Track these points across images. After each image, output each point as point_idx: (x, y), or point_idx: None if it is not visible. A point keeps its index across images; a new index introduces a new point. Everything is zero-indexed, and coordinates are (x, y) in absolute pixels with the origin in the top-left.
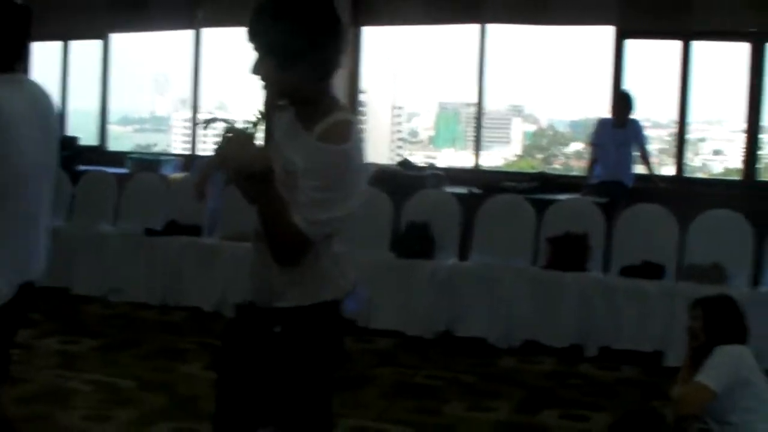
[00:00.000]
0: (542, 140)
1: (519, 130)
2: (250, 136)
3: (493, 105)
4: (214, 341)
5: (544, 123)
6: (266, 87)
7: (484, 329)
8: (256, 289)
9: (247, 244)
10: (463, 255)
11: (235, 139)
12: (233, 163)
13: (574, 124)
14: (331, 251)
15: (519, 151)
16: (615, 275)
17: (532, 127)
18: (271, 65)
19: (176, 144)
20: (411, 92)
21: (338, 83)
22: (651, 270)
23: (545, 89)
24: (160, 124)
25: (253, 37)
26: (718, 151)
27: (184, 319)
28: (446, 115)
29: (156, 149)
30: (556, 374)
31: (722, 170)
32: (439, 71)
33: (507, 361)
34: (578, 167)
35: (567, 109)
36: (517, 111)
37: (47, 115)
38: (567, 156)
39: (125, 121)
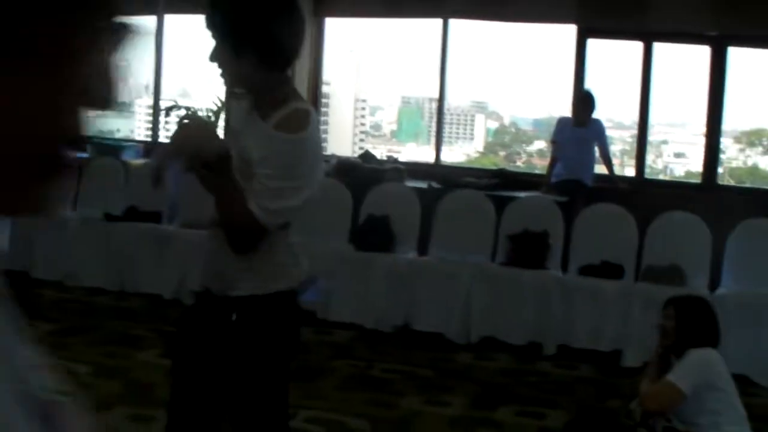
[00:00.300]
0: (505, 137)
1: (482, 127)
2: (207, 124)
3: (456, 101)
4: (171, 328)
5: (507, 120)
6: (223, 74)
7: (442, 324)
8: (212, 276)
9: (206, 232)
10: (422, 250)
11: (191, 127)
12: (189, 150)
13: (537, 123)
14: (286, 241)
15: (482, 148)
16: (574, 274)
17: (495, 124)
18: (227, 52)
19: (139, 130)
20: (374, 85)
21: (301, 74)
22: (609, 270)
23: (508, 86)
24: (123, 109)
25: (210, 23)
26: (680, 153)
27: (141, 306)
28: (409, 110)
29: (119, 135)
30: (514, 371)
31: (684, 173)
32: (402, 65)
33: (464, 357)
34: (541, 166)
35: (530, 107)
36: (481, 107)
37: None
38: (530, 154)
39: None
